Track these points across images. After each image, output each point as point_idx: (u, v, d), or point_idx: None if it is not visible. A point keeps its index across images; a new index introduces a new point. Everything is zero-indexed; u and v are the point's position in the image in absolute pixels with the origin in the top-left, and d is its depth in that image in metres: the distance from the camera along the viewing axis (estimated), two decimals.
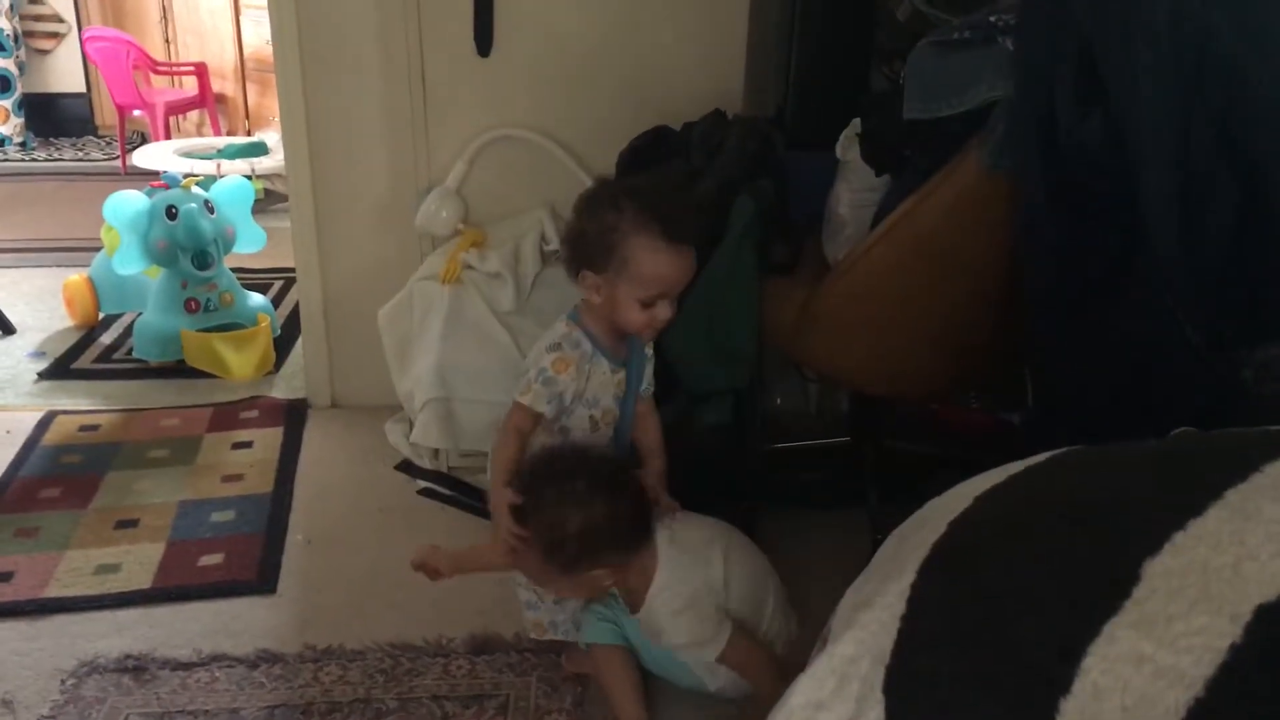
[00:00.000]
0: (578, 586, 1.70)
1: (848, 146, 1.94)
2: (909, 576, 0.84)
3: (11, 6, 5.70)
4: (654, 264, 1.65)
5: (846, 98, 2.00)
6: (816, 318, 1.90)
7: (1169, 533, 0.72)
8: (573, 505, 1.60)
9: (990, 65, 1.61)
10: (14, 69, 5.66)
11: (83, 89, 6.12)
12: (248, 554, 2.22)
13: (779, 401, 2.41)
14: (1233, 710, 0.62)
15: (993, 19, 1.62)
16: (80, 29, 5.86)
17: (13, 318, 3.42)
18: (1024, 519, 0.84)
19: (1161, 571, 0.70)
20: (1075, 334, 1.62)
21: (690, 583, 1.67)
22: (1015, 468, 0.91)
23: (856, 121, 1.96)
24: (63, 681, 1.85)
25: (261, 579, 2.14)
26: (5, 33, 5.51)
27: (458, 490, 2.45)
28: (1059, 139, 1.50)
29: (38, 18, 5.95)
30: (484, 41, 2.59)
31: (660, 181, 1.93)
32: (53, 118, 6.10)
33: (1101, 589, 0.71)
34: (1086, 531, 0.78)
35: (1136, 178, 1.43)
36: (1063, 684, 0.68)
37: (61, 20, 5.97)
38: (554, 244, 2.59)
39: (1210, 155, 1.40)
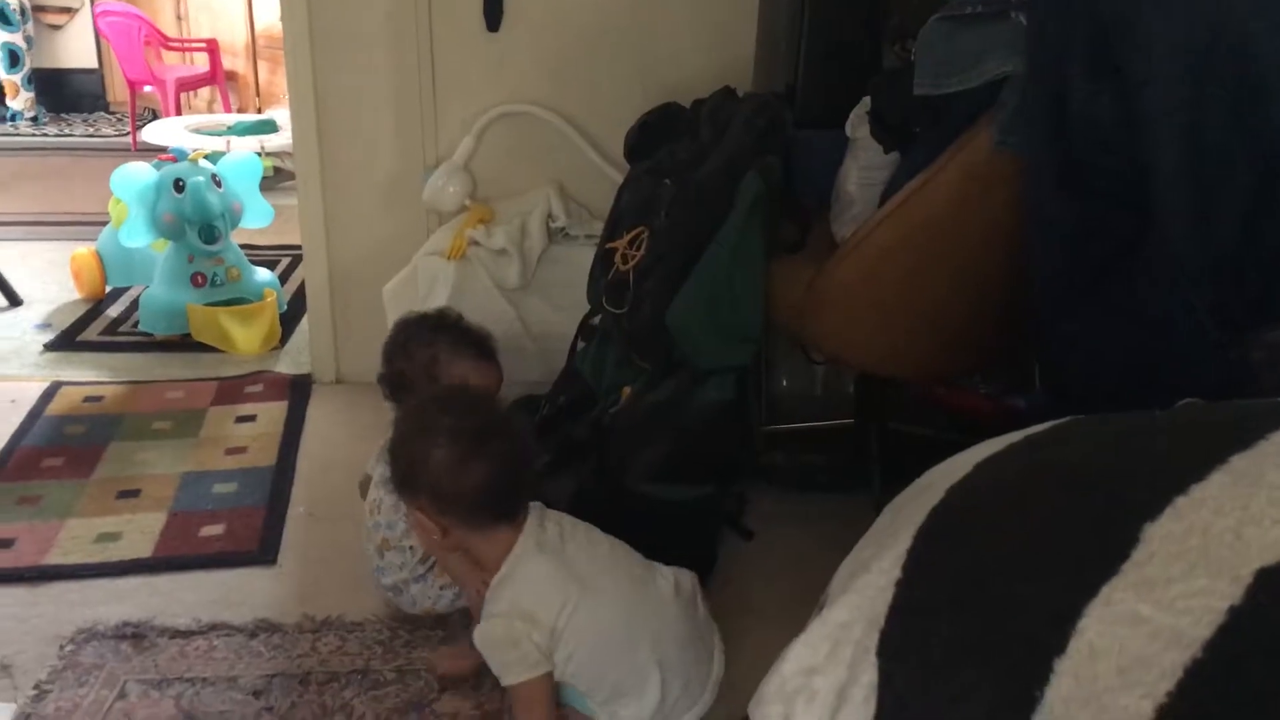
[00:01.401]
0: (411, 521, 1.65)
1: (857, 124, 1.92)
2: (905, 542, 0.83)
3: None
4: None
5: (857, 75, 1.98)
6: (822, 296, 1.89)
7: (1170, 497, 0.71)
8: (419, 433, 1.55)
9: (1002, 40, 1.59)
10: (22, 43, 5.65)
11: (94, 65, 6.12)
12: (249, 525, 2.22)
13: (784, 383, 2.40)
14: (1231, 672, 0.61)
15: None
16: (92, 4, 5.85)
17: (20, 290, 3.43)
18: (1023, 484, 0.83)
19: (1162, 535, 0.69)
20: (1083, 315, 1.60)
21: (524, 596, 1.54)
22: (1016, 436, 0.90)
23: (866, 99, 1.94)
24: (61, 647, 1.84)
25: (262, 550, 2.13)
26: (12, 6, 5.51)
27: None
28: (1070, 116, 1.49)
29: None
30: (493, 17, 2.58)
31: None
32: (64, 93, 6.11)
33: (1100, 552, 0.70)
34: (1086, 496, 0.77)
35: (1148, 156, 1.42)
36: (1058, 644, 0.67)
37: None
38: (561, 221, 2.58)
39: (1223, 134, 1.39)
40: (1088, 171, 1.51)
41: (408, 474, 1.56)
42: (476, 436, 1.52)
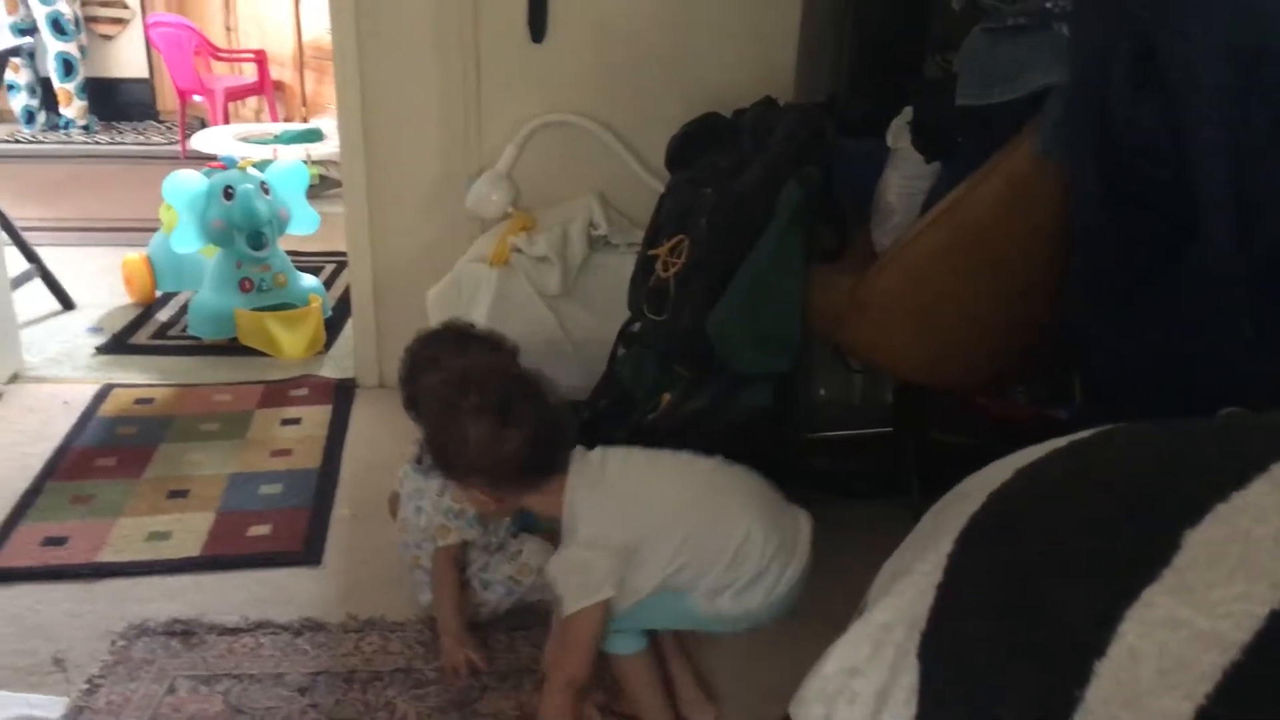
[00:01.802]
0: (462, 495, 1.71)
1: (899, 134, 1.94)
2: (947, 546, 0.84)
3: None
4: None
5: (898, 85, 2.00)
6: (863, 305, 1.90)
7: (1211, 503, 0.72)
8: (448, 418, 1.58)
9: (1044, 51, 1.60)
10: (76, 53, 5.77)
11: (145, 74, 6.23)
12: (294, 526, 2.26)
13: (822, 391, 2.41)
14: (1270, 674, 0.62)
15: (1048, 4, 1.61)
16: (144, 15, 5.97)
17: (73, 294, 3.50)
18: (1064, 489, 0.84)
19: (1202, 541, 0.70)
20: (1125, 325, 1.61)
21: (588, 529, 1.58)
22: (1058, 442, 0.91)
23: (908, 109, 1.95)
24: (113, 643, 1.89)
25: (307, 550, 2.17)
26: (67, 17, 5.62)
27: None
28: (1113, 126, 1.49)
29: (103, 3, 6.06)
30: (538, 28, 2.61)
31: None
32: (115, 102, 6.22)
33: (1141, 557, 0.71)
34: (1127, 502, 0.78)
35: (1192, 166, 1.42)
36: (1098, 647, 0.68)
37: (126, 6, 6.09)
38: (602, 229, 2.61)
39: (1267, 144, 1.39)
40: (1131, 181, 1.51)
41: (450, 460, 1.61)
42: (501, 407, 1.55)
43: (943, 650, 0.79)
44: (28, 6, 5.53)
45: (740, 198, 2.05)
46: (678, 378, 2.16)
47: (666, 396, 2.15)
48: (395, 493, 2.07)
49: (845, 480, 2.35)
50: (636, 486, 1.65)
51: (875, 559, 1.09)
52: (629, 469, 1.66)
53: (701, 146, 2.29)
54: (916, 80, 2.02)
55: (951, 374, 2.00)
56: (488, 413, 1.55)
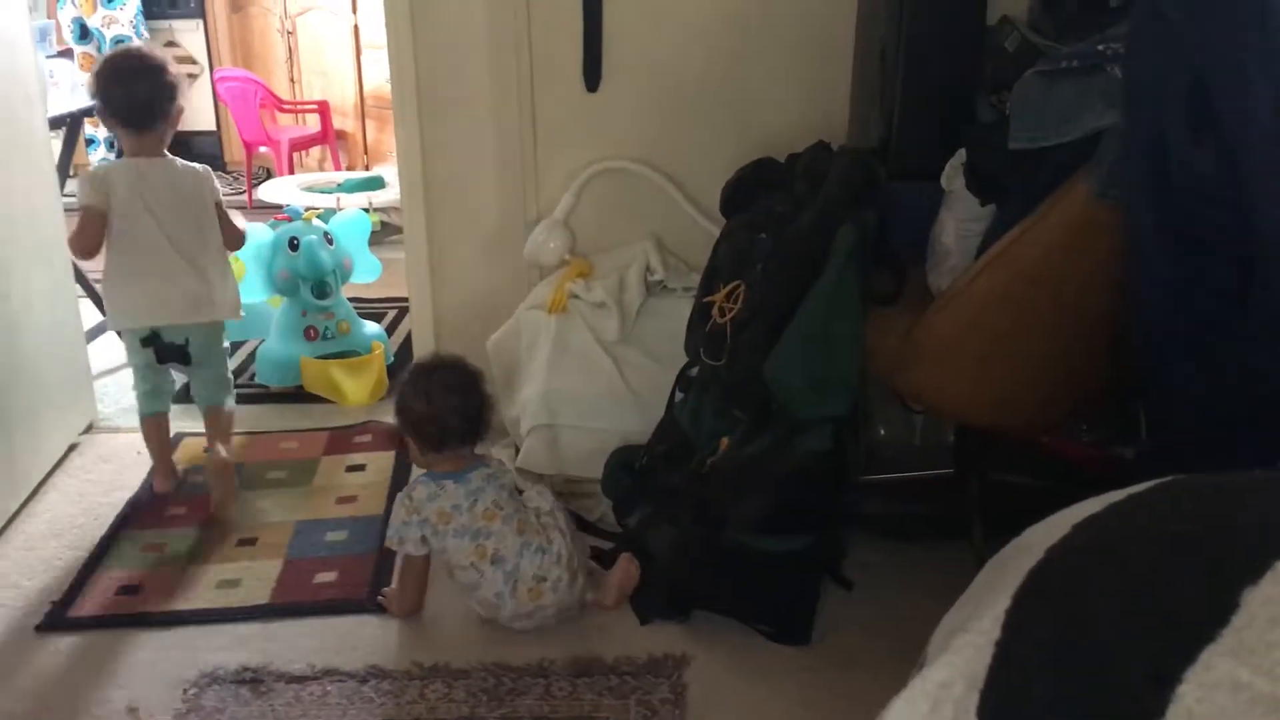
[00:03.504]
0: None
1: (953, 176, 1.94)
2: (1005, 602, 0.84)
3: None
4: None
5: (952, 128, 2.00)
6: (919, 348, 1.90)
7: (1270, 561, 0.71)
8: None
9: (1098, 94, 1.59)
10: None
11: (213, 127, 6.41)
12: (360, 573, 2.29)
13: (882, 432, 2.40)
14: None
15: (1101, 47, 1.61)
16: (212, 70, 6.14)
17: None
18: (1123, 546, 0.83)
19: (1261, 599, 0.69)
20: (1188, 367, 1.58)
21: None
22: (1115, 496, 0.90)
23: (962, 152, 1.95)
24: (185, 691, 1.93)
25: (372, 597, 2.20)
26: None
27: None
28: (1169, 168, 1.48)
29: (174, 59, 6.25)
30: (592, 76, 2.65)
31: None
32: (184, 154, 6.32)
33: (1200, 616, 0.71)
34: (1186, 559, 0.77)
35: (1250, 207, 1.40)
36: (1157, 709, 0.68)
37: (194, 61, 6.27)
38: (659, 274, 2.63)
39: None
40: (1190, 223, 1.50)
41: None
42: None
43: (1001, 710, 0.79)
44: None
45: (795, 242, 2.06)
46: (736, 422, 2.16)
47: (724, 441, 2.16)
48: None
49: (905, 524, 2.33)
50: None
51: (936, 602, 1.08)
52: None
53: (756, 191, 2.31)
54: (970, 122, 2.02)
55: (1010, 415, 1.98)
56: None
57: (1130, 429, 2.20)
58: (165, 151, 2.57)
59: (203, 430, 2.73)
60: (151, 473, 2.67)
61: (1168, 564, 0.78)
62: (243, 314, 2.74)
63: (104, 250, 2.50)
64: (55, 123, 3.23)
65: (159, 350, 2.55)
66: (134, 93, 2.47)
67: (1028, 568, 0.86)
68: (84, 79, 4.74)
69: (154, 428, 2.65)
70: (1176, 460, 1.65)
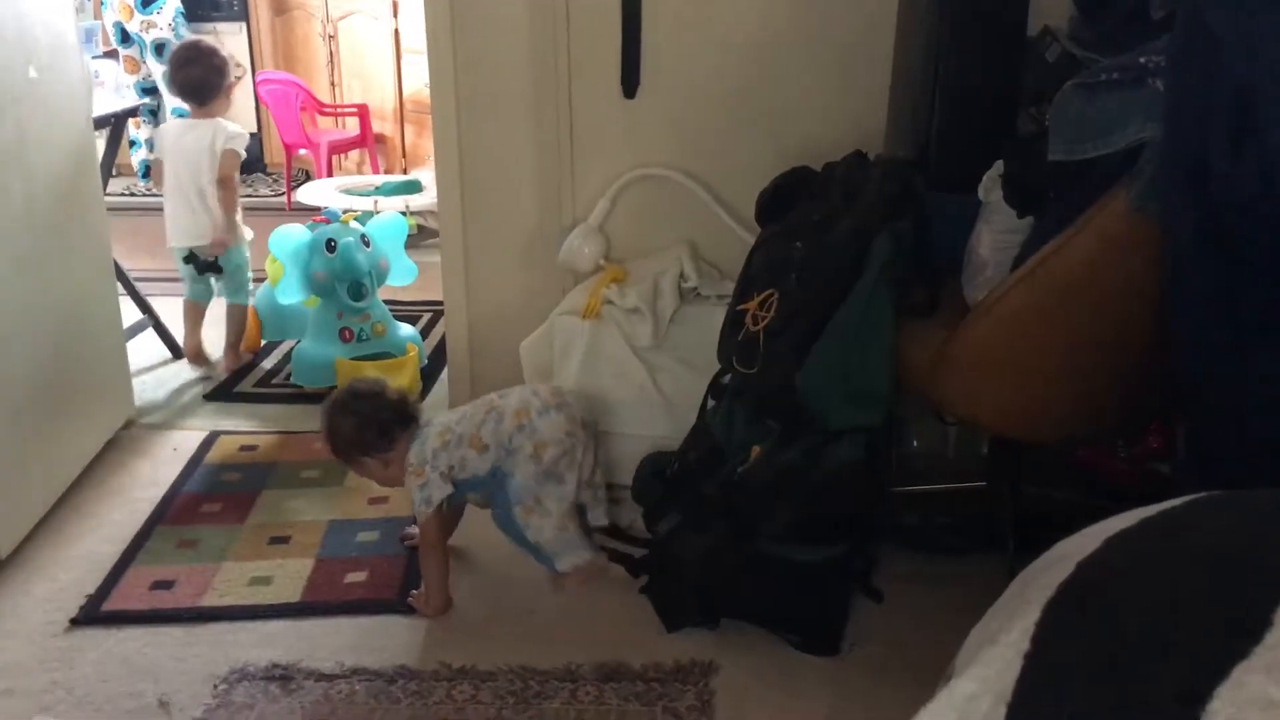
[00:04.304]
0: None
1: (990, 188, 1.92)
2: (1034, 615, 0.83)
3: None
4: None
5: (990, 139, 1.99)
6: (954, 359, 1.88)
7: None
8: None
9: (1139, 107, 1.58)
10: None
11: (254, 129, 6.47)
12: (390, 574, 2.31)
13: (915, 443, 2.39)
14: None
15: (1143, 59, 1.59)
16: (254, 73, 6.21)
17: (182, 343, 3.64)
18: (1155, 562, 0.82)
19: None
20: (1228, 382, 1.56)
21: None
22: (1148, 511, 0.89)
23: (1000, 163, 1.94)
24: (215, 686, 1.95)
25: (402, 598, 2.21)
26: None
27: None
28: (1210, 182, 1.46)
29: None
30: (630, 83, 2.66)
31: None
32: None
33: (1231, 633, 0.70)
34: (1218, 576, 0.76)
35: None
36: None
37: (239, 64, 6.34)
38: (693, 281, 2.63)
39: None
40: (1230, 237, 1.48)
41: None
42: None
43: None
44: (149, 67, 5.79)
45: (831, 252, 2.06)
46: (768, 431, 2.16)
47: (756, 449, 2.15)
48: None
49: (938, 535, 2.32)
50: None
51: (967, 615, 1.07)
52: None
53: (791, 200, 2.30)
54: (1009, 133, 2.01)
55: (1046, 427, 1.97)
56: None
57: (1167, 445, 2.18)
58: (216, 116, 3.37)
59: (237, 429, 2.90)
60: (184, 344, 3.52)
61: (1200, 580, 0.77)
62: (243, 241, 3.48)
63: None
64: (100, 122, 3.28)
65: (196, 264, 3.40)
66: (191, 75, 3.33)
67: (1059, 581, 0.85)
68: (128, 80, 4.83)
69: (191, 308, 3.50)
70: (1213, 476, 1.63)
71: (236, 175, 3.43)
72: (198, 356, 3.52)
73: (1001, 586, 1.04)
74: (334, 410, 2.22)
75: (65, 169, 2.69)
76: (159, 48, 5.62)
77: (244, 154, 3.45)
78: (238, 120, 3.70)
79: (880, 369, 1.99)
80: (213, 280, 3.49)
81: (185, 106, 3.50)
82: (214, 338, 3.57)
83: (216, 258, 3.39)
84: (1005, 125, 2.02)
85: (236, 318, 3.52)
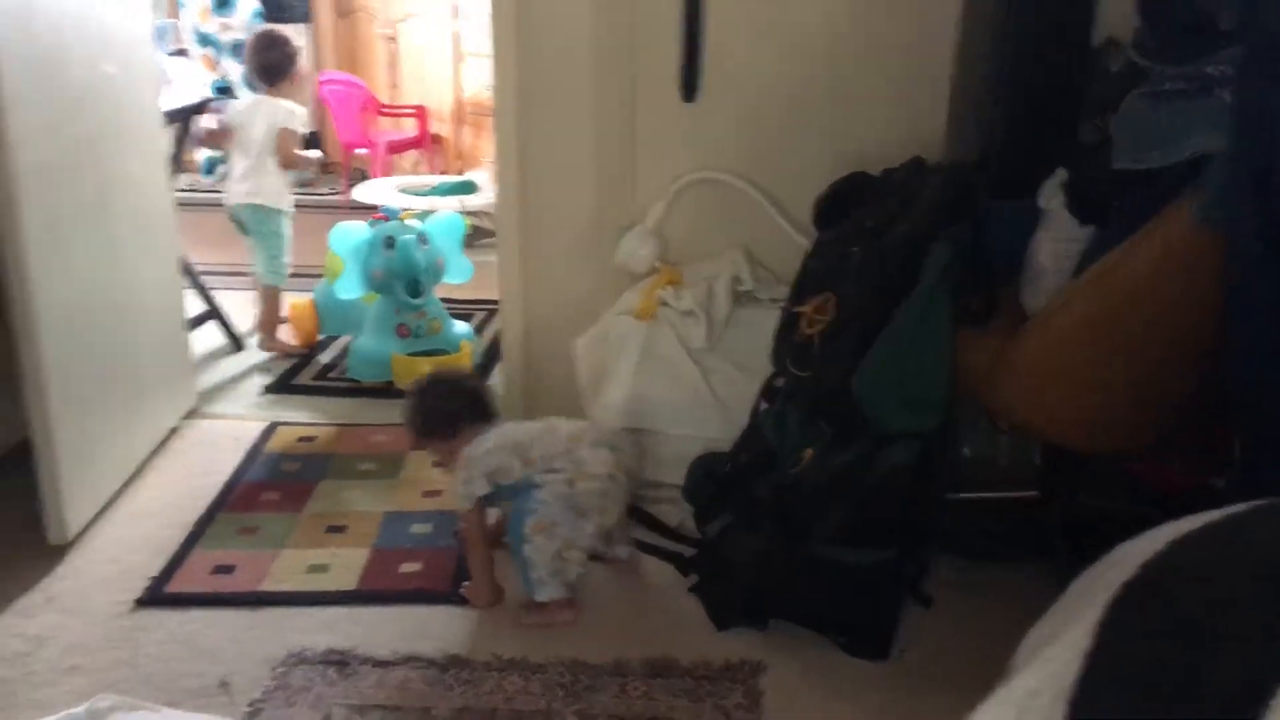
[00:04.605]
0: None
1: (1051, 196, 1.93)
2: (1096, 613, 0.84)
3: None
4: None
5: (1052, 147, 1.99)
6: (1012, 367, 1.89)
7: None
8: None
9: (1205, 117, 1.58)
10: None
11: (314, 128, 6.56)
12: (443, 565, 2.34)
13: (967, 450, 2.38)
14: None
15: (1209, 70, 1.59)
16: (317, 73, 6.30)
17: (244, 337, 3.71)
18: (1219, 563, 0.83)
19: None
20: None
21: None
22: (1212, 515, 0.90)
23: (1062, 171, 1.94)
24: (274, 669, 2.00)
25: (455, 590, 2.25)
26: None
27: (639, 518, 2.51)
28: (1275, 193, 1.46)
29: None
30: (690, 88, 2.68)
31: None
32: None
33: None
34: None
35: None
36: None
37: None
38: (748, 284, 2.65)
39: None
40: None
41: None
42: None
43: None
44: (225, 66, 5.91)
45: (888, 257, 2.06)
46: (820, 434, 2.17)
47: (809, 452, 2.16)
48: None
49: (989, 543, 2.31)
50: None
51: (1017, 624, 1.08)
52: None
53: (848, 205, 2.32)
54: (1071, 142, 2.01)
55: (1102, 437, 1.96)
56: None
57: (1223, 457, 2.16)
58: (282, 97, 3.71)
59: (296, 420, 3.02)
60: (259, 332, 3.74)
61: (1264, 580, 0.78)
62: (284, 211, 3.73)
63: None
64: (169, 118, 3.35)
65: (239, 225, 3.74)
66: (267, 58, 3.72)
67: (1121, 580, 0.86)
68: (206, 78, 4.97)
69: (266, 293, 3.72)
70: (1267, 486, 1.62)
71: (294, 148, 3.69)
72: (274, 341, 3.72)
73: (1052, 595, 1.05)
74: (415, 390, 2.38)
75: (136, 162, 2.76)
76: (237, 47, 5.74)
77: (301, 130, 3.75)
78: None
79: (936, 374, 2.00)
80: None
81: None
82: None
83: (243, 218, 3.70)
84: (1067, 133, 2.02)
85: (268, 299, 3.70)
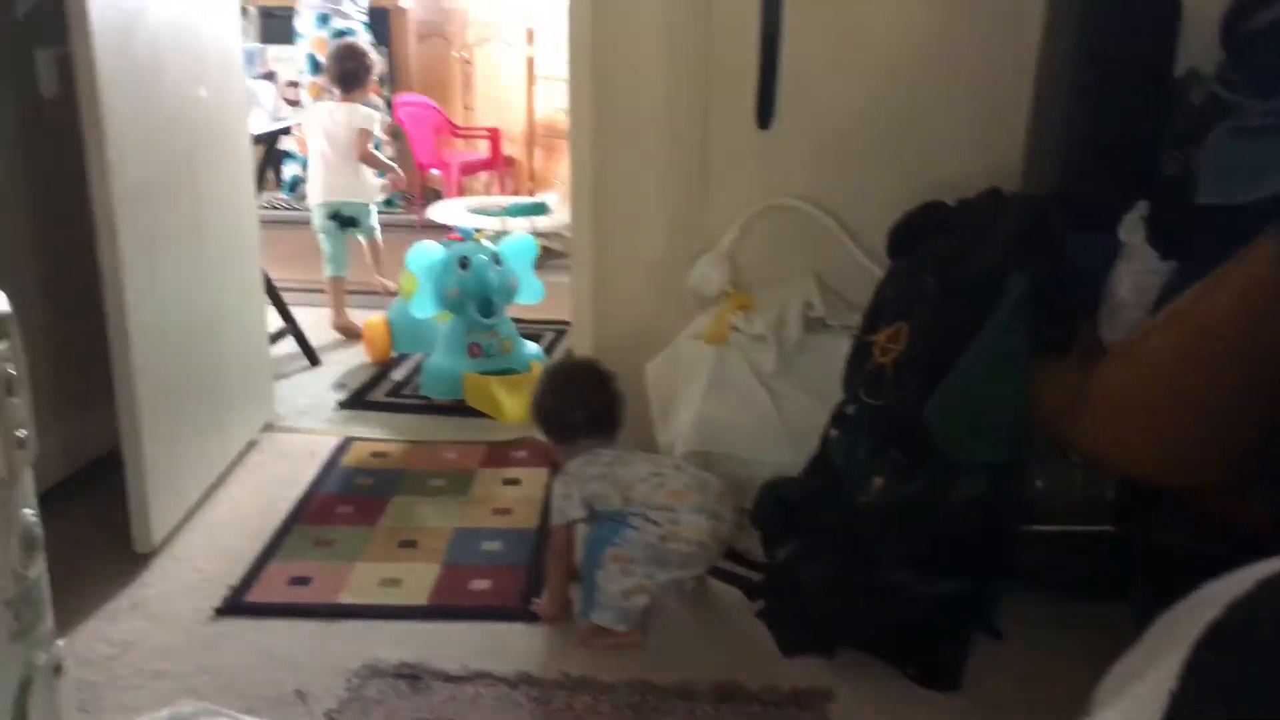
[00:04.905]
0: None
1: (1132, 229, 1.91)
2: (1182, 652, 0.84)
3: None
4: None
5: (1132, 180, 1.98)
6: (1090, 400, 1.87)
7: None
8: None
9: None
10: (384, 137, 6.19)
11: (391, 151, 6.68)
12: (513, 583, 2.37)
13: (1040, 482, 2.36)
14: None
15: None
16: (394, 96, 6.42)
17: (319, 352, 3.79)
18: None
19: None
20: None
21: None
22: None
23: (1142, 203, 1.93)
24: (348, 680, 2.03)
25: (524, 607, 2.28)
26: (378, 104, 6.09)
27: None
28: None
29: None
30: (765, 115, 2.70)
31: None
32: None
33: None
34: None
35: None
36: None
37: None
38: (819, 311, 2.65)
39: None
40: None
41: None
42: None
43: None
44: (332, 93, 6.04)
45: (964, 287, 2.06)
46: (891, 462, 2.16)
47: (879, 480, 2.16)
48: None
49: (1061, 578, 2.29)
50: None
51: (1087, 660, 1.08)
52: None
53: (923, 234, 2.32)
54: (1151, 174, 1.99)
55: (1180, 473, 1.93)
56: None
57: None
58: (356, 102, 4.21)
59: (370, 436, 3.05)
60: (333, 321, 4.14)
61: None
62: (374, 201, 4.38)
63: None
64: (255, 139, 3.45)
65: (339, 220, 4.17)
66: (347, 68, 4.20)
67: (1207, 620, 0.86)
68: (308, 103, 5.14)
69: (334, 285, 4.17)
70: None
71: (370, 146, 4.19)
72: (347, 329, 4.09)
73: (1126, 634, 1.05)
74: (547, 379, 2.38)
75: (225, 182, 2.85)
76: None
77: (376, 132, 4.27)
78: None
79: (1010, 406, 1.99)
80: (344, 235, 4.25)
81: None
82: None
83: (354, 213, 4.21)
84: (1148, 166, 2.01)
85: (375, 249, 4.39)
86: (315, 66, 5.88)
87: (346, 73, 4.20)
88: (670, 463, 2.26)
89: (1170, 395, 1.76)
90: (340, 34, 5.79)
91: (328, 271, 4.19)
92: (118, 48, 2.25)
